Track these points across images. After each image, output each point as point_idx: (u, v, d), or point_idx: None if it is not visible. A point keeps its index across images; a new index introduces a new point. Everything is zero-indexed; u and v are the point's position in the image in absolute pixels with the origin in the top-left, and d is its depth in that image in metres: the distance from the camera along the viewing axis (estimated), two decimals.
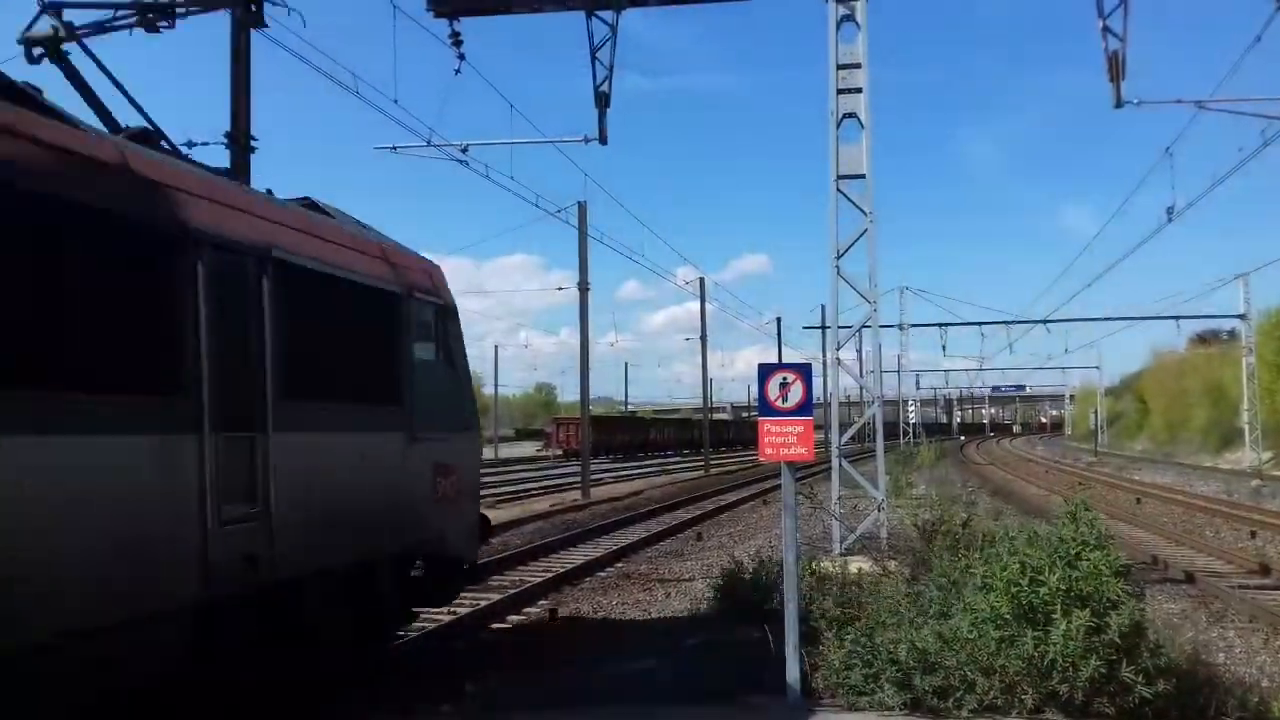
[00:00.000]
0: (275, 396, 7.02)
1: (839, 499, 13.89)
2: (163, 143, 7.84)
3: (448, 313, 10.05)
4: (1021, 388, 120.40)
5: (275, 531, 6.97)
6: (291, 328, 7.27)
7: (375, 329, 8.71)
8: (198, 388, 6.27)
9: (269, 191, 8.35)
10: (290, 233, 7.62)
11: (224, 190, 7.26)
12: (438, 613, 11.58)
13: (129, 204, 5.94)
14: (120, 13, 8.54)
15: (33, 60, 8.51)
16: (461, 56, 15.27)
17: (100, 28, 8.34)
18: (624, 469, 51.80)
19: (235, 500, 6.59)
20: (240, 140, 13.74)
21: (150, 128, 7.95)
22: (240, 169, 13.71)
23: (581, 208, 31.04)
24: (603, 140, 15.94)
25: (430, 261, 10.26)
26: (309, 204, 8.93)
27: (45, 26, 8.37)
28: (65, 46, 8.55)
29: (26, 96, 6.00)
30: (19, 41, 8.55)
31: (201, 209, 6.59)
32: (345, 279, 8.17)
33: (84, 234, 5.55)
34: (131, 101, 8.31)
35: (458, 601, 11.71)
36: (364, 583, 8.53)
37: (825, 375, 44.48)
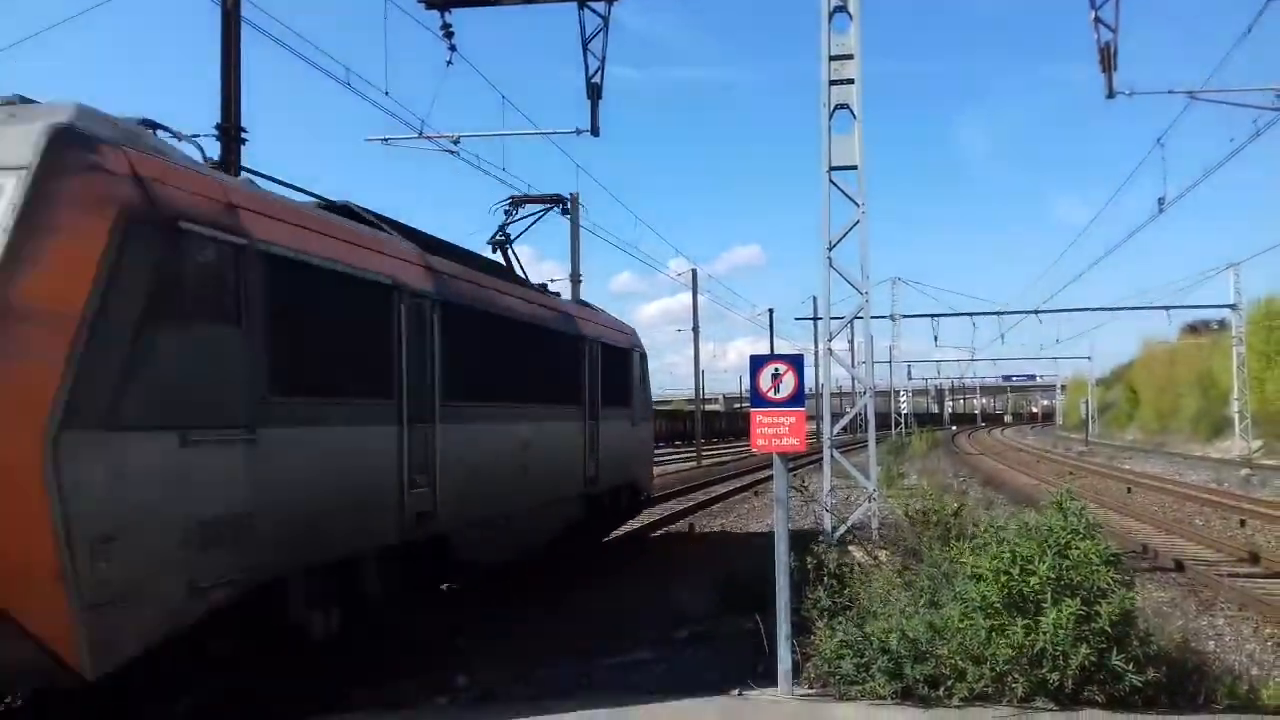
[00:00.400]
0: (602, 403, 15.31)
1: (830, 489, 13.92)
2: (550, 289, 15.75)
3: (644, 356, 18.51)
4: (1032, 377, 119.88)
5: (599, 465, 15.04)
6: (605, 372, 15.49)
7: (622, 368, 16.83)
8: (585, 399, 14.69)
9: (584, 302, 17.74)
10: (603, 328, 16.33)
11: (585, 310, 16.48)
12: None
13: (568, 328, 14.32)
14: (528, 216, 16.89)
15: (494, 250, 15.60)
16: (453, 48, 15.24)
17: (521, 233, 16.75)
18: None
19: (590, 450, 14.68)
20: (231, 132, 13.71)
21: (545, 284, 15.72)
22: (231, 160, 13.67)
23: (573, 199, 30.97)
24: (594, 132, 15.91)
25: (633, 328, 18.74)
26: (584, 303, 17.80)
27: (499, 235, 15.85)
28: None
29: (547, 290, 15.31)
30: (488, 243, 15.79)
31: (583, 324, 15.10)
32: (615, 346, 16.52)
33: (555, 343, 13.66)
34: (524, 273, 15.29)
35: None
36: (617, 497, 16.83)
37: (817, 366, 44.49)
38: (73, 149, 5.74)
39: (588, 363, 14.78)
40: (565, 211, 18.15)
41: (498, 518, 11.24)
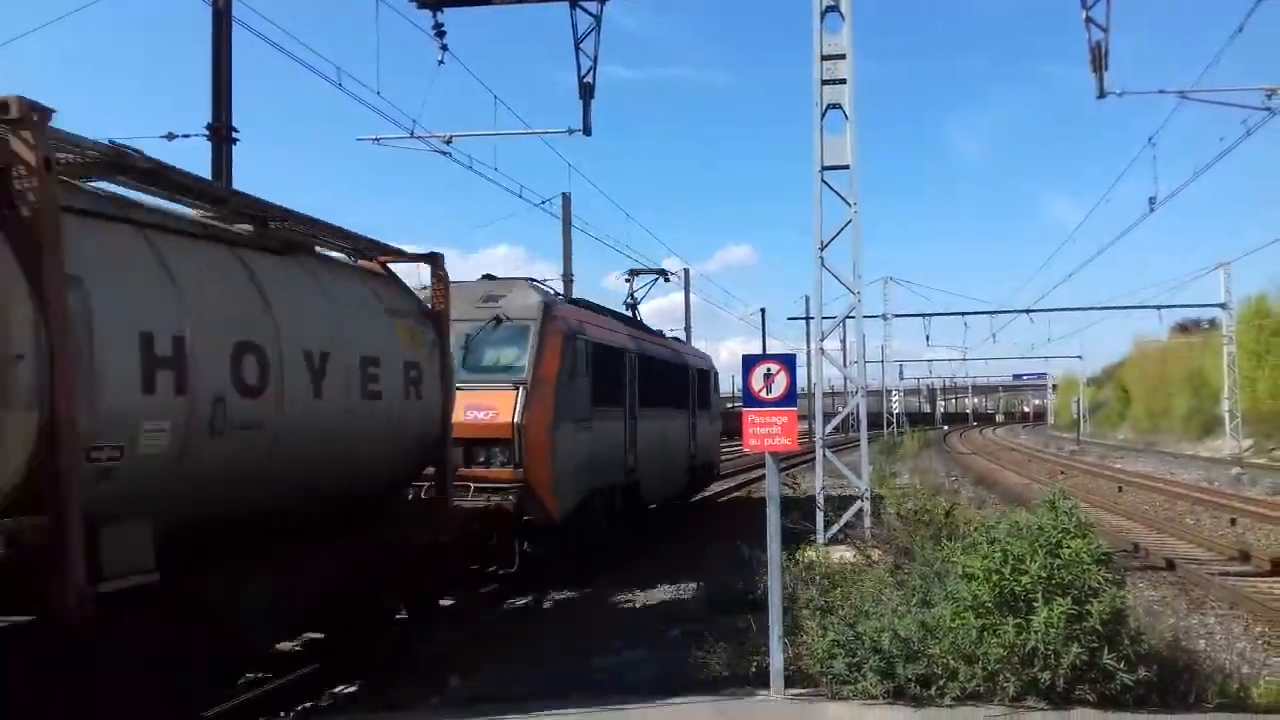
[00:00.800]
0: (696, 408, 21.96)
1: (823, 489, 13.93)
2: (666, 332, 24.02)
3: (717, 375, 25.24)
4: (1042, 375, 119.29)
5: (696, 446, 21.81)
6: (697, 386, 22.13)
7: (705, 383, 23.01)
8: (688, 405, 21.40)
9: (676, 337, 25.83)
10: (694, 357, 23.68)
11: (683, 345, 25.27)
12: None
13: (678, 359, 21.23)
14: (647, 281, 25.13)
15: (627, 309, 22.23)
16: (444, 48, 15.20)
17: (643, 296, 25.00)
18: None
19: (691, 437, 21.48)
20: (222, 132, 13.67)
21: (661, 329, 23.34)
22: (222, 161, 13.63)
23: (565, 199, 30.91)
24: (586, 131, 15.89)
25: (708, 354, 27.40)
26: (679, 340, 25.62)
27: (629, 300, 23.76)
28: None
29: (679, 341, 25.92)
30: (624, 303, 23.49)
31: (685, 356, 22.40)
32: (701, 368, 23.09)
33: (649, 362, 18.19)
34: (639, 318, 22.02)
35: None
36: (703, 470, 23.09)
37: (809, 366, 44.62)
38: (548, 309, 13.85)
39: (688, 380, 21.58)
40: (667, 279, 24.68)
41: (657, 474, 18.62)
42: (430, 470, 10.56)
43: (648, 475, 17.56)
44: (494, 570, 13.00)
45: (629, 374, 16.62)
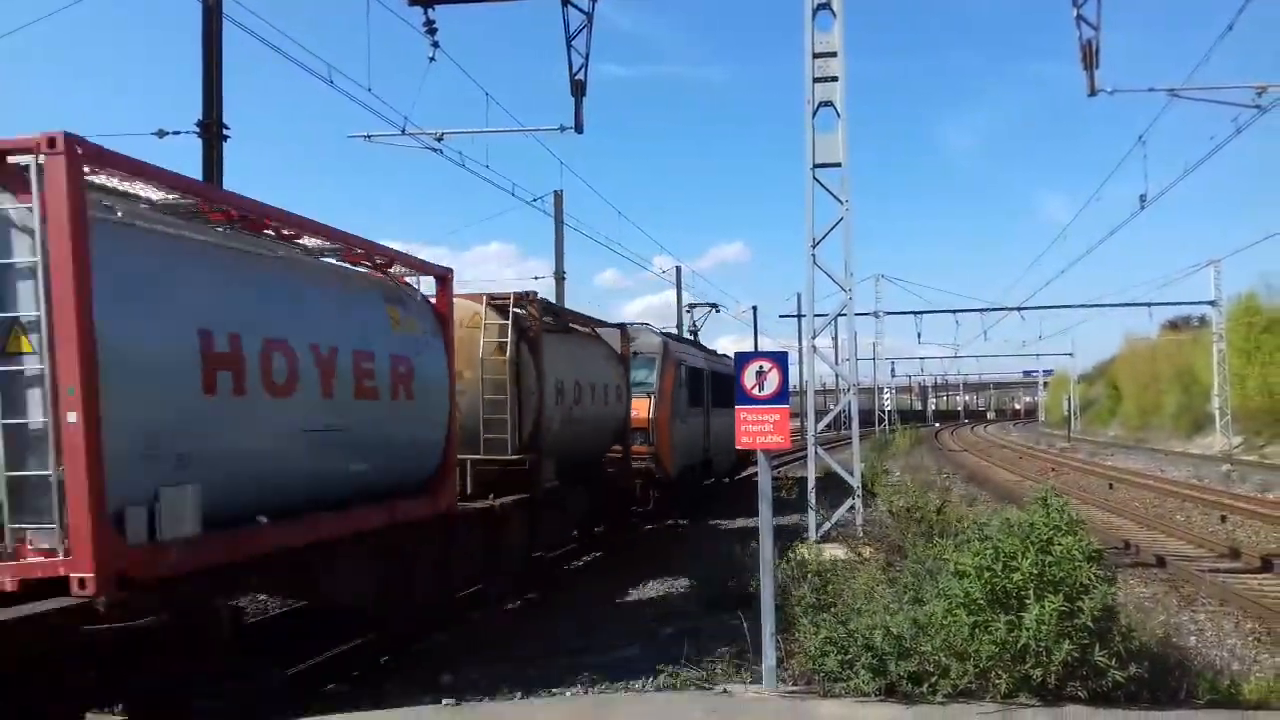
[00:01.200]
0: (715, 405, 26.23)
1: (814, 486, 13.94)
2: (711, 348, 31.52)
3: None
4: (1049, 371, 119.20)
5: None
6: (734, 390, 21.88)
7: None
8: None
9: (702, 347, 30.51)
10: (724, 365, 28.08)
11: (716, 354, 30.18)
12: None
13: (717, 368, 27.09)
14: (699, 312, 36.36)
15: (691, 334, 34.43)
16: (436, 45, 15.17)
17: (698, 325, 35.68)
18: None
19: (730, 432, 21.36)
20: (213, 129, 13.61)
21: (710, 347, 30.71)
22: (213, 158, 13.58)
23: (558, 196, 30.84)
24: (579, 129, 15.89)
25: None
26: (711, 350, 30.09)
27: (691, 327, 36.96)
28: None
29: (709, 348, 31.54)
30: (687, 329, 35.35)
31: (717, 365, 27.64)
32: (725, 374, 25.94)
33: (715, 377, 26.25)
34: (699, 340, 33.07)
35: None
36: (746, 455, 26.02)
37: (801, 363, 44.59)
38: (666, 346, 21.77)
39: (716, 385, 26.46)
40: (717, 310, 31.57)
41: (721, 455, 25.65)
42: (616, 446, 17.53)
43: (715, 456, 25.45)
44: (635, 509, 19.91)
45: (705, 385, 24.31)
